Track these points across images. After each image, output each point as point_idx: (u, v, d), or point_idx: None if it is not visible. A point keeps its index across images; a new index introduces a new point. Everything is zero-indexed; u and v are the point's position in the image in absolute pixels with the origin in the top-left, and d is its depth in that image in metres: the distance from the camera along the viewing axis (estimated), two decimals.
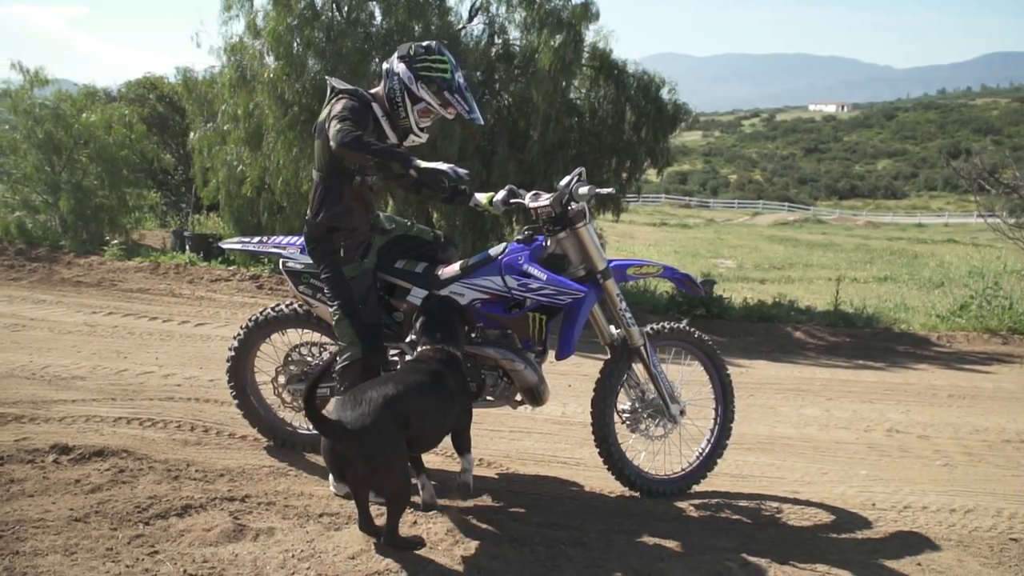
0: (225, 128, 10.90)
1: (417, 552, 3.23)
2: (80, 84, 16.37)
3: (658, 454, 4.30)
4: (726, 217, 53.07)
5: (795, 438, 5.57)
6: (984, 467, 5.16)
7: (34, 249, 11.47)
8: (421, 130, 3.94)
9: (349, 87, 3.85)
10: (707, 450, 4.38)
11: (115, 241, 11.91)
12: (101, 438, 4.32)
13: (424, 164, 3.50)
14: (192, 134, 11.96)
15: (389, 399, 3.16)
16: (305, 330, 4.47)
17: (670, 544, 3.61)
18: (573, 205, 4.03)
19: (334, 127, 3.54)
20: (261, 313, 4.47)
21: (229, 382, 4.47)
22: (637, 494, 4.18)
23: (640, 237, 32.98)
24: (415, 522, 3.55)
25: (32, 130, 12.52)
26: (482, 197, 4.31)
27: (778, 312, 10.05)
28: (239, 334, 4.47)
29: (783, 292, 14.33)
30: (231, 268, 10.95)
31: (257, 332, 4.47)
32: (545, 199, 4.08)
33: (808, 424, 5.94)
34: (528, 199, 4.17)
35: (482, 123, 4.21)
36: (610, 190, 4.57)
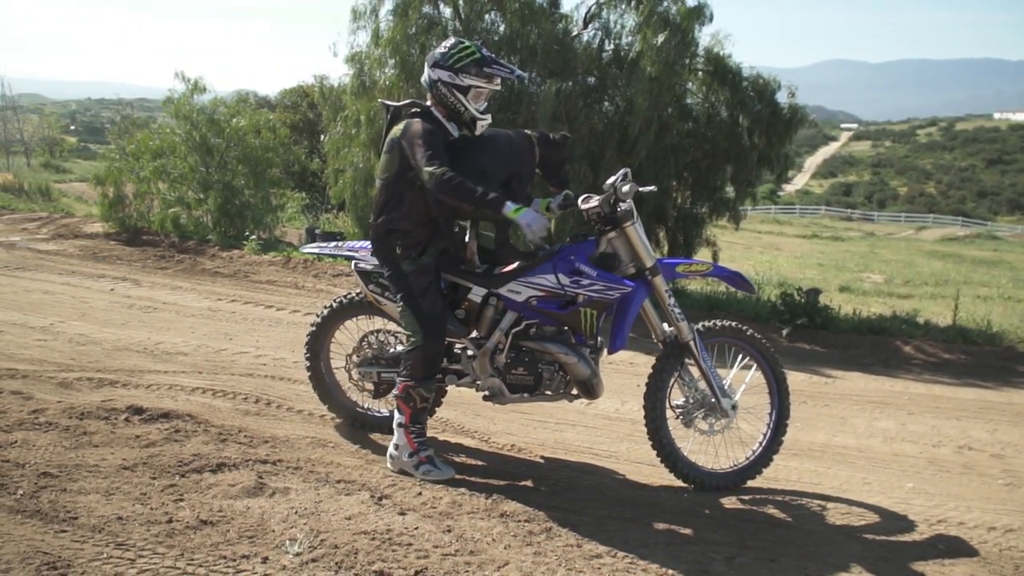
0: (352, 132, 11.56)
1: (406, 519, 3.47)
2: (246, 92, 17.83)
3: (710, 449, 4.43)
4: (888, 231, 50.38)
5: (851, 448, 5.40)
6: None
7: (185, 242, 12.53)
8: (483, 113, 4.20)
9: (410, 103, 4.21)
10: (764, 443, 4.46)
11: (253, 236, 12.83)
12: (174, 403, 4.84)
13: (511, 214, 3.88)
14: (323, 137, 12.77)
15: None
16: (388, 321, 4.78)
17: (663, 533, 3.68)
18: (621, 205, 4.20)
19: (429, 168, 3.88)
20: (358, 293, 4.78)
21: (306, 344, 4.83)
22: (690, 486, 4.31)
23: (786, 248, 31.97)
24: (420, 492, 3.80)
25: (190, 133, 13.70)
26: (540, 202, 4.55)
27: (890, 325, 9.59)
28: (330, 305, 4.84)
29: (919, 308, 13.61)
30: None
31: (344, 310, 4.81)
32: (595, 201, 4.28)
33: (873, 435, 5.74)
34: (580, 202, 4.38)
35: (524, 76, 4.50)
36: (652, 188, 4.64)
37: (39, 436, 4.05)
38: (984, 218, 61.42)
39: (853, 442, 5.55)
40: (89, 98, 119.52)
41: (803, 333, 9.19)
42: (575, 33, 10.91)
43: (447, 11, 11.09)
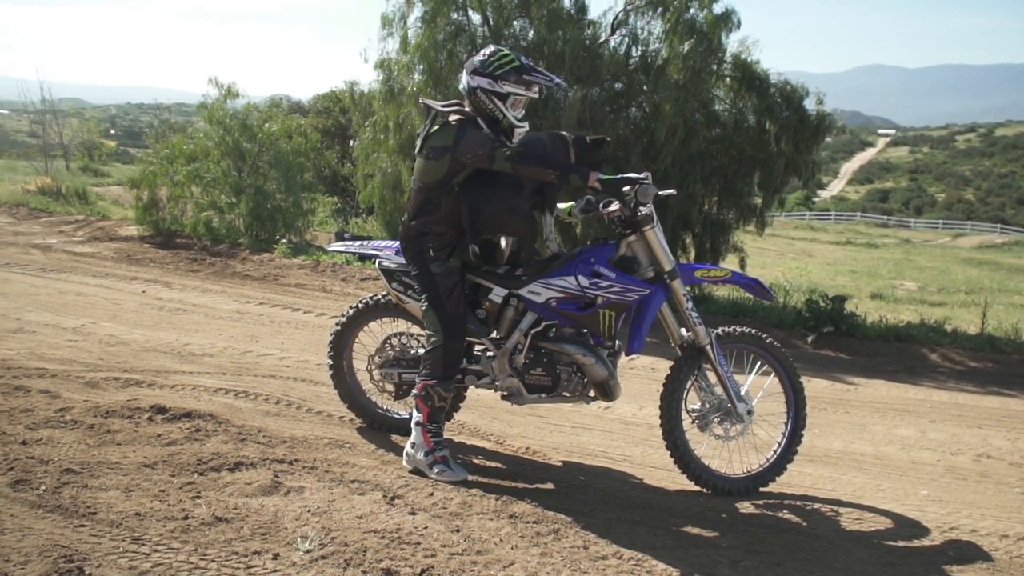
0: (381, 137, 11.69)
1: (416, 518, 3.53)
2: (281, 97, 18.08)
3: (724, 453, 4.44)
4: (924, 238, 49.68)
5: (868, 455, 5.37)
6: None
7: (217, 245, 12.73)
8: (520, 120, 4.23)
9: (453, 103, 4.24)
10: (779, 451, 4.48)
11: (283, 240, 13.00)
12: (196, 403, 4.94)
13: (606, 176, 3.97)
14: (352, 142, 12.93)
15: None
16: (412, 324, 4.84)
17: (671, 536, 3.70)
18: (641, 209, 4.23)
19: (505, 151, 3.98)
20: (383, 295, 4.86)
21: (330, 344, 4.91)
22: (705, 490, 4.35)
23: (819, 255, 31.65)
24: (431, 493, 3.86)
25: (223, 138, 13.92)
26: (562, 207, 4.60)
27: (917, 333, 9.49)
28: (355, 306, 4.93)
29: (950, 315, 13.43)
30: None
31: (369, 312, 4.89)
32: (615, 205, 4.31)
33: (891, 443, 5.70)
34: (601, 206, 4.43)
35: (563, 84, 4.58)
36: (671, 192, 4.68)
37: (64, 434, 4.17)
38: (1023, 225, 60.34)
39: (870, 449, 5.52)
40: (129, 103, 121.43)
41: (828, 340, 9.14)
42: (602, 39, 10.97)
43: (475, 18, 11.20)
